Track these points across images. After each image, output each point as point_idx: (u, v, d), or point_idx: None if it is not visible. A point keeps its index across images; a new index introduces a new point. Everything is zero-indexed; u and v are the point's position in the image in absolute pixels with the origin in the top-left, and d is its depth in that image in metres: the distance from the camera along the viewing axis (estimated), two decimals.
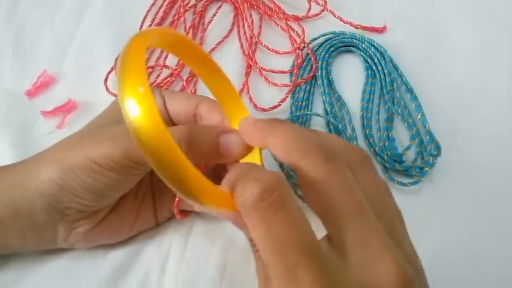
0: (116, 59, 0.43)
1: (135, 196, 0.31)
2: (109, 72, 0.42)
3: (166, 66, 0.42)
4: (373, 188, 0.21)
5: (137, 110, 0.17)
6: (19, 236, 0.27)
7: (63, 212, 0.27)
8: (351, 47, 0.44)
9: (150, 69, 0.43)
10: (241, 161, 0.27)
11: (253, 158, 0.28)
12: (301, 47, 0.44)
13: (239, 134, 0.25)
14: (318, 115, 0.39)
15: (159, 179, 0.32)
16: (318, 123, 0.40)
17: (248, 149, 0.26)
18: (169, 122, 0.30)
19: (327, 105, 0.40)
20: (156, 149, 0.17)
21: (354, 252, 0.19)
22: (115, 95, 0.41)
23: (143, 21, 0.47)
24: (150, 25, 0.46)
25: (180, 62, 0.42)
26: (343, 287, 0.18)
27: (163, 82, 0.42)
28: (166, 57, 0.44)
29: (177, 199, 0.31)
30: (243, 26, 0.47)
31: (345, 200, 0.19)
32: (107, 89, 0.41)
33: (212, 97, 0.29)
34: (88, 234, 0.29)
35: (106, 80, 0.41)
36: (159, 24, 0.47)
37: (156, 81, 0.42)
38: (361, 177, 0.21)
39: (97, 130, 0.29)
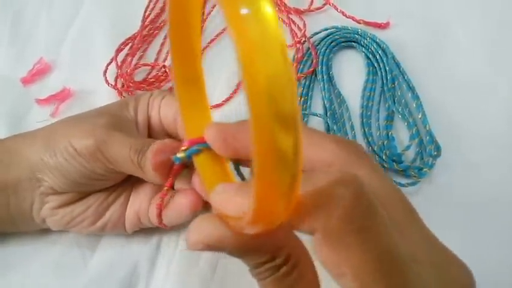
0: (117, 50, 0.42)
1: (108, 194, 0.30)
2: (108, 64, 0.41)
3: (164, 67, 0.41)
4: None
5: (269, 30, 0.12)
6: (4, 201, 0.29)
7: (40, 181, 0.28)
8: (353, 43, 0.43)
9: (150, 67, 0.42)
10: (208, 179, 0.24)
11: (222, 176, 0.24)
12: (301, 41, 0.43)
13: None
14: (315, 114, 0.38)
15: (139, 185, 0.31)
16: (315, 122, 0.39)
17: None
18: (159, 122, 0.31)
19: (326, 102, 0.39)
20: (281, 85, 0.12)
21: (426, 256, 0.18)
22: (114, 87, 0.40)
23: (145, 11, 0.45)
24: (149, 15, 0.46)
25: None
26: None
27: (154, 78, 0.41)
28: (165, 58, 0.43)
29: (159, 201, 0.28)
30: None
31: (396, 208, 0.18)
32: (106, 81, 0.40)
33: None
34: (53, 212, 0.29)
35: (105, 72, 0.41)
36: (159, 15, 0.46)
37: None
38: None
39: (89, 117, 0.30)
